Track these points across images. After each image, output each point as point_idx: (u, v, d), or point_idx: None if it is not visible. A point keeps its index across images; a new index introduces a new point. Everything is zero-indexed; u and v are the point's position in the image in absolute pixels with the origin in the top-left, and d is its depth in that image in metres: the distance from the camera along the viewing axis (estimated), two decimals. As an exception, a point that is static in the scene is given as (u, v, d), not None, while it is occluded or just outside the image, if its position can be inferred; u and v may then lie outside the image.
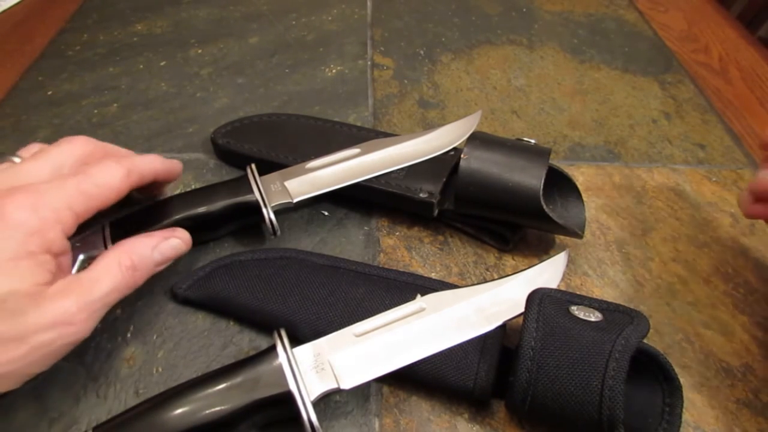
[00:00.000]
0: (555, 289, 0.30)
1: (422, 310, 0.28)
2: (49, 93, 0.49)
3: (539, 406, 0.26)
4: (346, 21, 0.61)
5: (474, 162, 0.35)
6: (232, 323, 0.33)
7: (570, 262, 0.37)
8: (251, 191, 0.35)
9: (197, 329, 0.32)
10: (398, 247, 0.37)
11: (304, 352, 0.26)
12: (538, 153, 0.35)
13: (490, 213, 0.36)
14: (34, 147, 0.31)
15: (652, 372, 0.27)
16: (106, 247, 0.31)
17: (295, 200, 0.35)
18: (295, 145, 0.41)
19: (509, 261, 0.37)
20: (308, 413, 0.24)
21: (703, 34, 0.63)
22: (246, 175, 0.36)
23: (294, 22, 0.60)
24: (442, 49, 0.57)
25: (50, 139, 0.44)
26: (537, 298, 0.28)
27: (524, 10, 0.64)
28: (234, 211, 0.35)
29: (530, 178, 0.34)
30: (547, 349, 0.26)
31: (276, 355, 0.25)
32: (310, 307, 0.31)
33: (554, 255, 0.33)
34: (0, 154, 0.29)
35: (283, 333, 0.26)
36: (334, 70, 0.53)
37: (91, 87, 0.50)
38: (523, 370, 0.26)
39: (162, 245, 0.30)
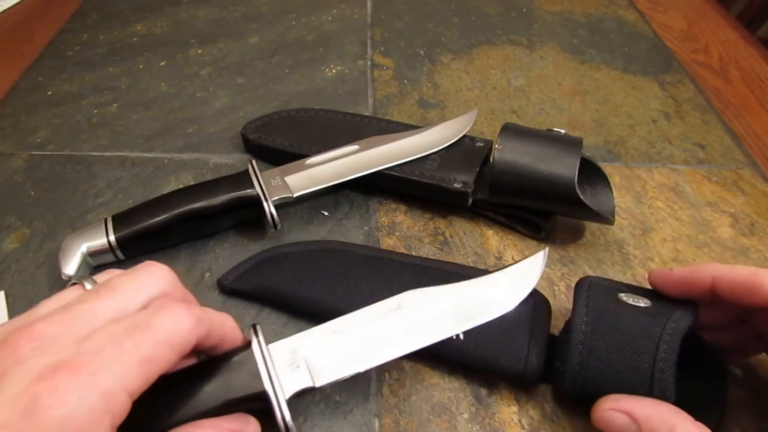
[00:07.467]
0: (602, 278, 0.30)
1: (398, 308, 0.28)
2: (49, 93, 0.49)
3: (590, 389, 0.26)
4: (346, 21, 0.61)
5: (508, 153, 0.35)
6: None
7: (570, 262, 0.37)
8: (252, 185, 0.35)
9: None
10: (398, 247, 0.37)
11: (280, 348, 0.26)
12: (571, 143, 0.36)
13: (524, 201, 0.37)
14: (113, 272, 0.26)
15: (698, 358, 0.27)
16: (108, 239, 0.33)
17: (295, 195, 0.36)
18: (325, 139, 0.41)
19: (509, 261, 0.37)
20: (282, 411, 0.24)
21: (703, 34, 0.63)
22: (247, 170, 0.37)
23: (294, 22, 0.60)
24: (442, 49, 0.57)
25: (50, 139, 0.45)
26: (585, 285, 0.29)
27: (524, 10, 0.64)
28: (235, 205, 0.35)
29: (564, 167, 0.34)
30: (598, 333, 0.26)
31: (251, 352, 0.25)
32: (357, 297, 0.31)
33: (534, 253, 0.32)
34: (78, 278, 0.25)
35: (259, 328, 0.26)
36: (334, 70, 0.53)
37: (91, 87, 0.50)
38: (574, 353, 0.26)
39: None
